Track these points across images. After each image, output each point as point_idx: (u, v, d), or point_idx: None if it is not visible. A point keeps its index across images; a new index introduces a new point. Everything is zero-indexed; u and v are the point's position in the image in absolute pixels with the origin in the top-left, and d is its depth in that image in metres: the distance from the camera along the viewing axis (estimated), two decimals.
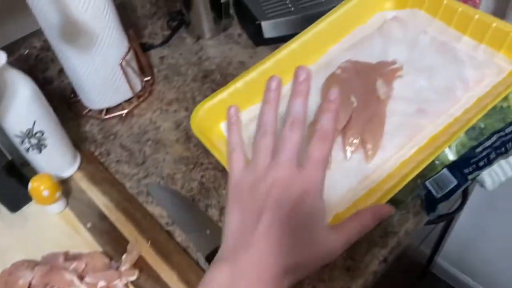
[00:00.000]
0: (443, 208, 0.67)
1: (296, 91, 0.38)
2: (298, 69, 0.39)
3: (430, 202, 0.55)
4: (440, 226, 1.17)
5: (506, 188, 1.10)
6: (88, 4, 0.60)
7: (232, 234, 0.36)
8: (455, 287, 1.52)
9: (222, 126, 0.59)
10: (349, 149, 0.52)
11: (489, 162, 0.54)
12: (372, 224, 0.37)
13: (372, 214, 0.37)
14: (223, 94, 0.58)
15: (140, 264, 0.53)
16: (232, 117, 0.43)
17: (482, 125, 0.53)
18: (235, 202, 0.37)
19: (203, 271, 0.53)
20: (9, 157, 0.56)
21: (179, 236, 0.57)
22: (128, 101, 0.74)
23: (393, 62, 0.56)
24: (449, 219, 0.71)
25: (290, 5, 0.81)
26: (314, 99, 0.57)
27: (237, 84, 0.58)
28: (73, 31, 0.61)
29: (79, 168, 0.64)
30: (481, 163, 0.54)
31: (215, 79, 0.77)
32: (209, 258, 0.54)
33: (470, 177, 0.54)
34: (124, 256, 0.53)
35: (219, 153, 0.53)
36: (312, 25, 0.62)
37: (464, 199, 0.65)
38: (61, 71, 0.77)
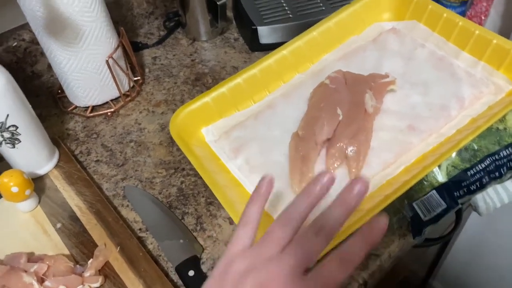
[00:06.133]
0: (436, 231, 0.63)
1: (341, 200, 0.33)
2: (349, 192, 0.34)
3: (416, 225, 0.52)
4: (435, 248, 1.12)
5: (506, 212, 1.06)
6: None
7: None
8: None
9: (204, 131, 0.56)
10: (332, 164, 0.49)
11: (482, 187, 0.51)
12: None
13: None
14: (206, 99, 0.56)
15: (105, 271, 0.50)
16: (262, 188, 0.37)
17: (476, 147, 0.50)
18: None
19: (172, 282, 0.50)
20: None
21: (151, 243, 0.54)
22: (115, 100, 0.72)
23: (386, 75, 0.53)
24: (439, 243, 0.68)
25: (289, 12, 0.78)
26: (301, 108, 0.55)
27: (222, 89, 0.56)
28: (58, 24, 0.59)
29: (56, 166, 0.62)
30: (473, 187, 0.50)
31: (206, 83, 0.75)
32: (179, 269, 0.51)
33: (460, 201, 0.51)
34: (89, 261, 0.50)
35: (196, 158, 0.51)
36: (305, 32, 0.59)
37: (457, 224, 0.62)
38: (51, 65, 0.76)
